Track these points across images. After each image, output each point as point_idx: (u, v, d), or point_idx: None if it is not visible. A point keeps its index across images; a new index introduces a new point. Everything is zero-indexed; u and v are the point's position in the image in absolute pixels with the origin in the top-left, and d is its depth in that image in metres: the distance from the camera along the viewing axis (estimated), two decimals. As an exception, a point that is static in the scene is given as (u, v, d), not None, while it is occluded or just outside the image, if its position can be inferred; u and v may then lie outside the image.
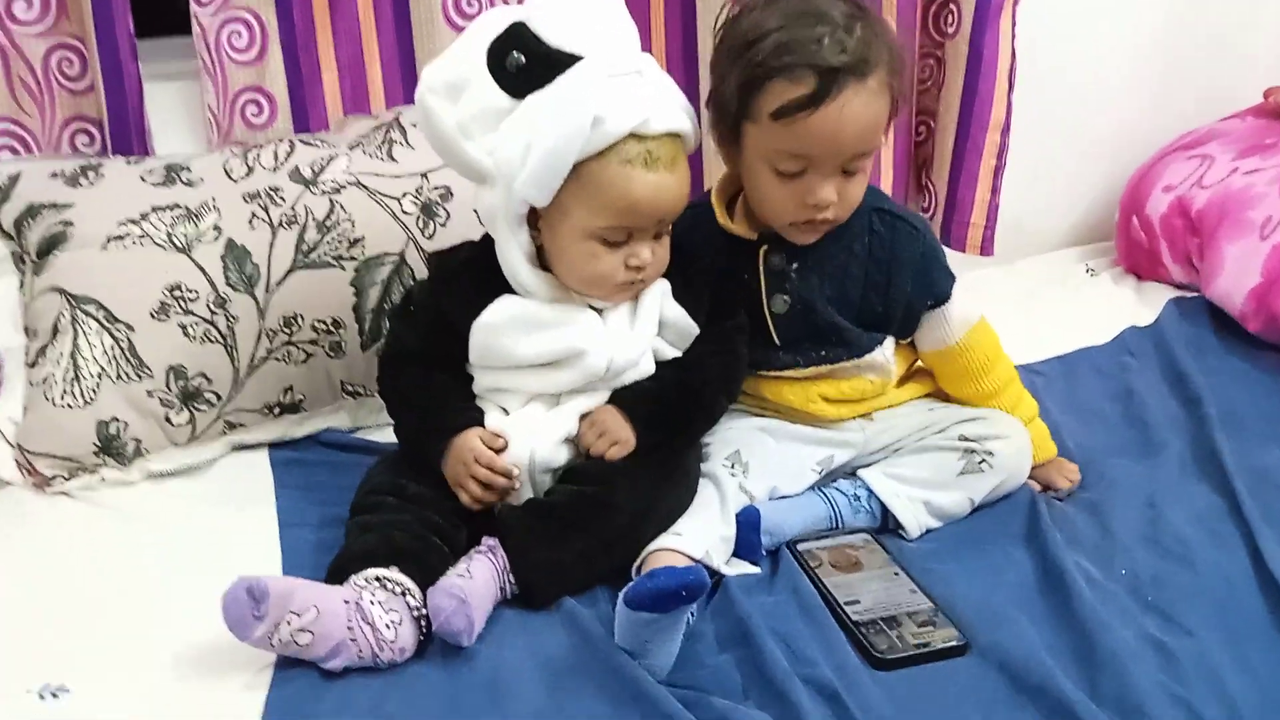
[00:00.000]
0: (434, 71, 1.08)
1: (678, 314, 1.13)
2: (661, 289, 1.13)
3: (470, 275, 1.12)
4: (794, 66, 1.05)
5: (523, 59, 1.03)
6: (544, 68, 1.03)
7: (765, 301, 1.17)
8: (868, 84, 1.06)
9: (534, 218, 1.08)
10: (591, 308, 1.11)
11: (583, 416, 1.10)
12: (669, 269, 1.12)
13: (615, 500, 1.04)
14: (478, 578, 0.99)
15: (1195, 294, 1.61)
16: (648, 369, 1.12)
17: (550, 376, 1.10)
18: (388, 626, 0.95)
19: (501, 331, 1.09)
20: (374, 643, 0.94)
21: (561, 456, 1.10)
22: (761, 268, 1.17)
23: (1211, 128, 1.74)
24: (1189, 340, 1.52)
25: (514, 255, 1.08)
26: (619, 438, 1.08)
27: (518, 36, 1.04)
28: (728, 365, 1.16)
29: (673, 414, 1.12)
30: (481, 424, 1.09)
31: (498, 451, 1.07)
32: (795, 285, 1.16)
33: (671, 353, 1.14)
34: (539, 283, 1.09)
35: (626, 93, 1.03)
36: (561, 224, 1.06)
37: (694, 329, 1.14)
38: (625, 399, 1.10)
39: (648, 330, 1.12)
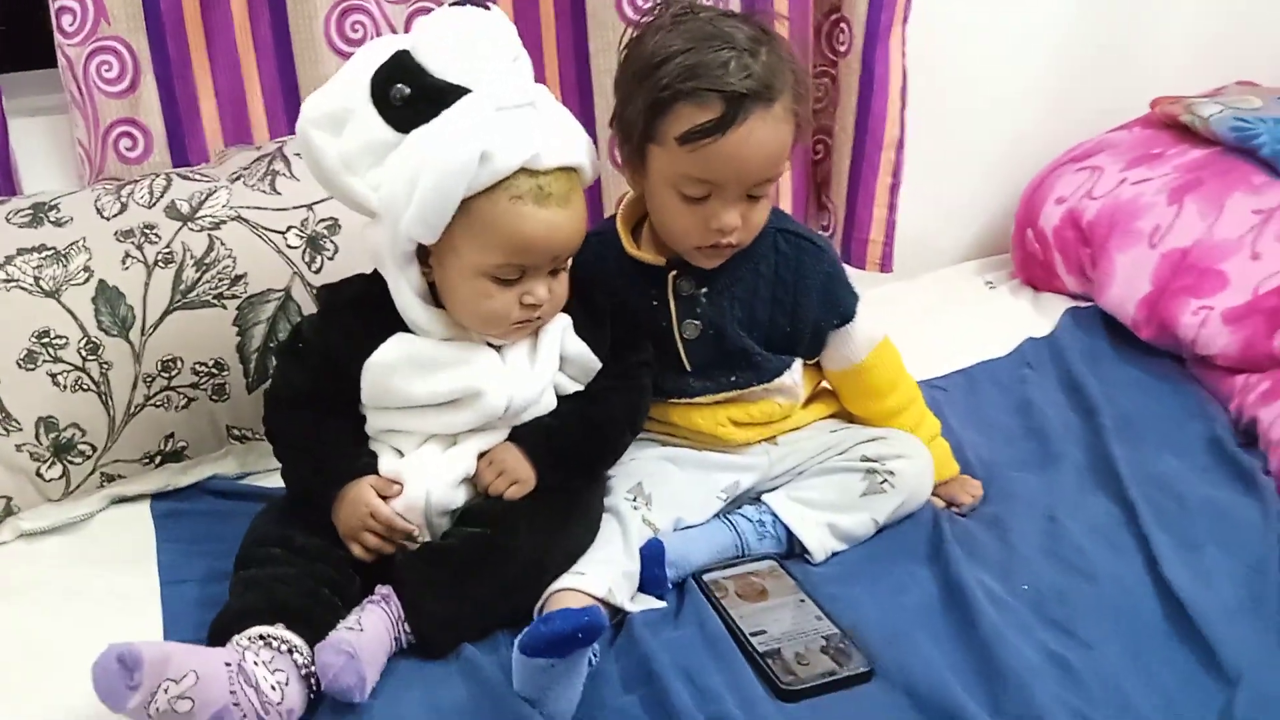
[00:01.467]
0: (315, 102, 1.04)
1: (579, 349, 1.11)
2: (562, 324, 1.10)
3: (361, 312, 1.08)
4: (700, 91, 1.04)
5: (407, 91, 1.00)
6: (429, 101, 1.00)
7: (676, 328, 1.16)
8: (773, 110, 1.06)
9: (425, 253, 1.05)
10: (490, 345, 1.08)
11: (481, 455, 1.07)
12: (569, 302, 1.10)
13: (514, 543, 1.02)
14: (369, 630, 0.96)
15: (1090, 304, 1.64)
16: (549, 405, 1.10)
17: (447, 417, 1.07)
18: (273, 688, 0.91)
19: (394, 371, 1.06)
20: (259, 706, 0.90)
21: (459, 498, 1.06)
22: (671, 294, 1.16)
23: (1100, 139, 1.78)
24: (1085, 350, 1.54)
25: (405, 293, 1.05)
26: (518, 476, 1.06)
27: (402, 67, 1.01)
28: (632, 400, 1.14)
29: (574, 451, 1.09)
30: (375, 470, 1.06)
31: (392, 498, 1.04)
32: (706, 310, 1.16)
33: (574, 387, 1.12)
34: (433, 320, 1.06)
35: (516, 127, 1.01)
36: (452, 261, 1.03)
37: (596, 363, 1.12)
38: (525, 436, 1.08)
39: (548, 367, 1.09)
